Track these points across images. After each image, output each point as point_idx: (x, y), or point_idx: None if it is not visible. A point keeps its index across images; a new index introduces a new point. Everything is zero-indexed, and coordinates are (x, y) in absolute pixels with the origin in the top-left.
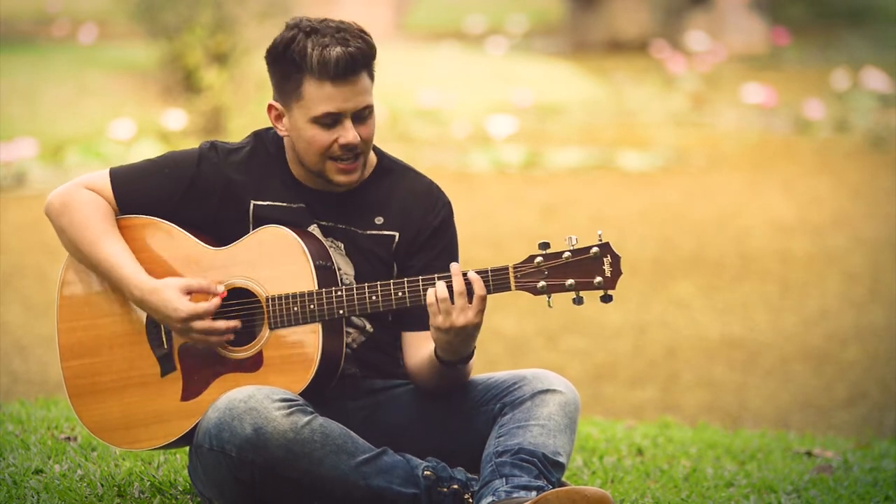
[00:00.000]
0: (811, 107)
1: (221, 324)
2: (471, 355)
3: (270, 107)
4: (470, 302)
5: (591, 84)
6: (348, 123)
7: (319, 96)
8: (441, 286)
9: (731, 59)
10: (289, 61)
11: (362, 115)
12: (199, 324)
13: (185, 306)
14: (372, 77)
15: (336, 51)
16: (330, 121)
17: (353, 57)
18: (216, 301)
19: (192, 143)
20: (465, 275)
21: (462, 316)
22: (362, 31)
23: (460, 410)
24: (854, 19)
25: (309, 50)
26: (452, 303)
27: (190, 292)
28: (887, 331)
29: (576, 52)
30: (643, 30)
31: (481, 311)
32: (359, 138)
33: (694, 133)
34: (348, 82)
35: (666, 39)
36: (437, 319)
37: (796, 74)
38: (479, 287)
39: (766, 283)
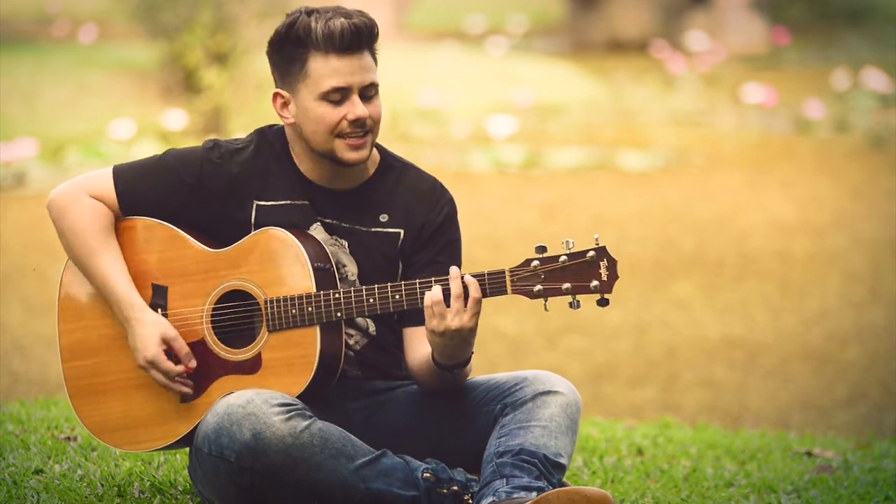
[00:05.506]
0: (811, 107)
1: (176, 386)
2: (467, 360)
3: (276, 95)
4: (465, 306)
5: (591, 84)
6: (356, 98)
7: (326, 71)
8: (437, 289)
9: (731, 59)
10: (293, 41)
11: (368, 94)
12: (154, 373)
13: (152, 351)
14: (375, 59)
15: (340, 21)
16: (338, 97)
17: (358, 28)
18: (178, 369)
19: (192, 143)
20: (462, 278)
21: (457, 319)
22: (363, 11)
23: (461, 411)
24: (854, 19)
25: (313, 25)
26: (448, 306)
27: (167, 344)
28: (887, 331)
29: (576, 52)
30: (643, 30)
31: (476, 315)
32: (367, 113)
33: (694, 133)
34: (354, 55)
35: (666, 39)
36: (432, 322)
37: (796, 74)
38: (474, 290)
39: (766, 283)
